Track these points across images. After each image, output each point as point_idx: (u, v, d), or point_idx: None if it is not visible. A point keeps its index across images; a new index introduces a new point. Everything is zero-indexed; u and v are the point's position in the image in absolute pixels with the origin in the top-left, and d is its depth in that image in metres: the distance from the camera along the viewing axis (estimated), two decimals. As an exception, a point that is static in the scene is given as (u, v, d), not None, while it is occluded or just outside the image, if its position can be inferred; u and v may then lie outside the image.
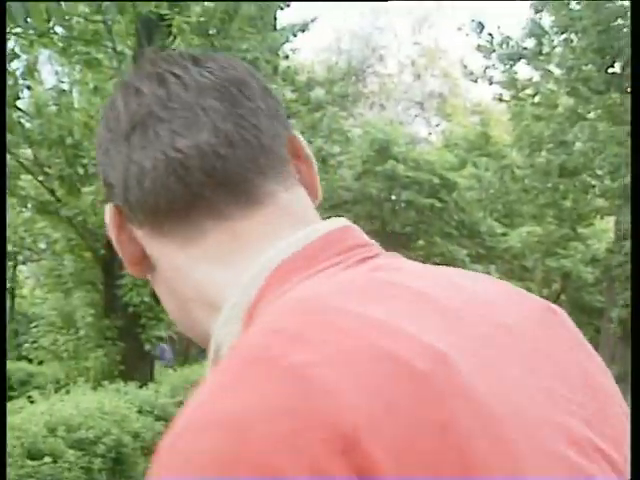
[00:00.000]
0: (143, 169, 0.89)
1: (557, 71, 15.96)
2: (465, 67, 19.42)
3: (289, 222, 0.92)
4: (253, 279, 0.88)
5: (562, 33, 15.63)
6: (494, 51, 16.56)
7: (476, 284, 0.90)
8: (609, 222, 21.87)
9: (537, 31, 16.15)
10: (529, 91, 16.94)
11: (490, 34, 16.55)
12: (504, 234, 26.11)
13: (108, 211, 0.94)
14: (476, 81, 18.69)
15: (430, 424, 0.68)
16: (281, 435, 0.66)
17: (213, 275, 0.91)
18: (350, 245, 0.90)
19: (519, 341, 0.85)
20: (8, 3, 4.75)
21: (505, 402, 0.76)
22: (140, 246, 0.95)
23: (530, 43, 16.27)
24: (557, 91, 16.38)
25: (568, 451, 0.77)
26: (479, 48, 16.81)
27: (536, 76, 17.14)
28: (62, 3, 6.74)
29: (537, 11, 16.30)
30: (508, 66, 16.71)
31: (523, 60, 16.41)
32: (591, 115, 15.45)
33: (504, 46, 16.36)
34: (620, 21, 14.88)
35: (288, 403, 0.67)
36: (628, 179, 12.66)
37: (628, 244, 13.83)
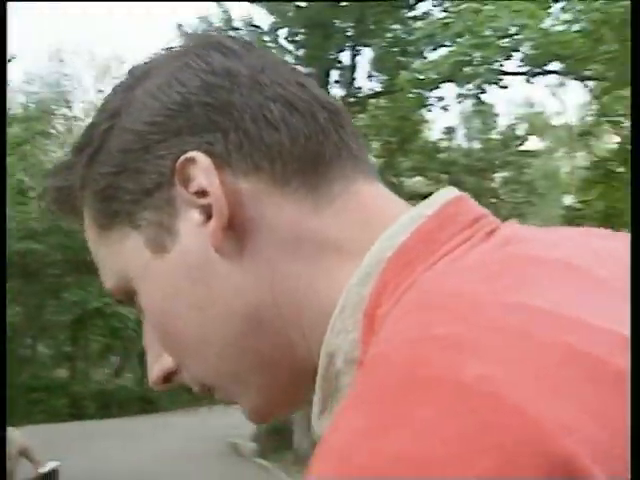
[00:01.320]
0: (289, 110, 0.82)
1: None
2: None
3: (392, 199, 0.84)
4: (367, 273, 0.75)
5: None
6: None
7: (605, 241, 0.76)
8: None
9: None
10: None
11: None
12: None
13: (206, 162, 0.78)
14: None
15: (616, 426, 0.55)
16: (484, 473, 0.52)
17: (329, 260, 0.79)
18: (471, 219, 0.78)
19: None
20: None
21: None
22: (237, 205, 0.78)
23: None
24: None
25: None
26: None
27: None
28: None
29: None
30: None
31: None
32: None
33: None
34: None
35: (476, 431, 0.53)
36: None
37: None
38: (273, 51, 18.18)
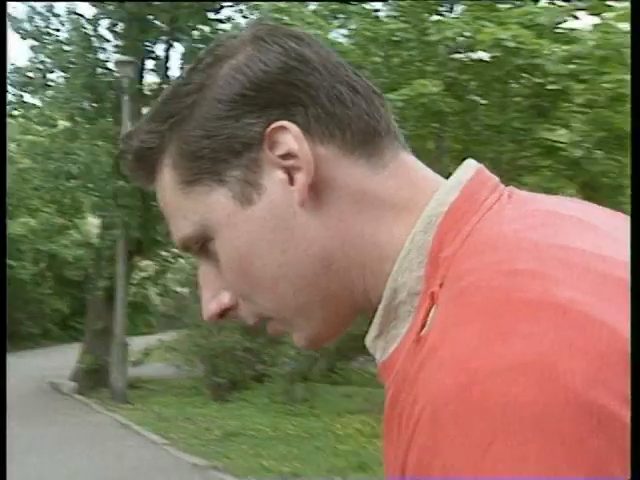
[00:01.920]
0: (352, 92, 0.88)
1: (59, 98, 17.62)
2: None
3: (421, 168, 0.91)
4: (429, 223, 0.83)
5: (62, 71, 17.49)
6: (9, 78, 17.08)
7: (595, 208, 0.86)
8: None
9: (41, 67, 17.74)
10: (35, 112, 18.35)
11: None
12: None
13: (295, 130, 0.84)
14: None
15: None
16: (589, 371, 0.61)
17: (387, 215, 0.86)
18: (494, 184, 0.87)
19: None
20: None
21: None
22: (316, 171, 0.84)
23: (37, 75, 17.62)
24: (56, 114, 18.15)
25: None
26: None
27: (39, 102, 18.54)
28: None
29: (36, 52, 17.69)
30: (18, 90, 17.81)
31: (31, 87, 17.77)
32: (85, 135, 17.37)
33: (15, 75, 17.35)
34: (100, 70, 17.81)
35: (581, 338, 0.62)
36: (117, 183, 15.67)
37: (115, 232, 16.58)
38: (93, 39, 18.20)
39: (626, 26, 11.94)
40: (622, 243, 0.73)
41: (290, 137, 0.83)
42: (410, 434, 0.68)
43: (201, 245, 0.90)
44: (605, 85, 11.65)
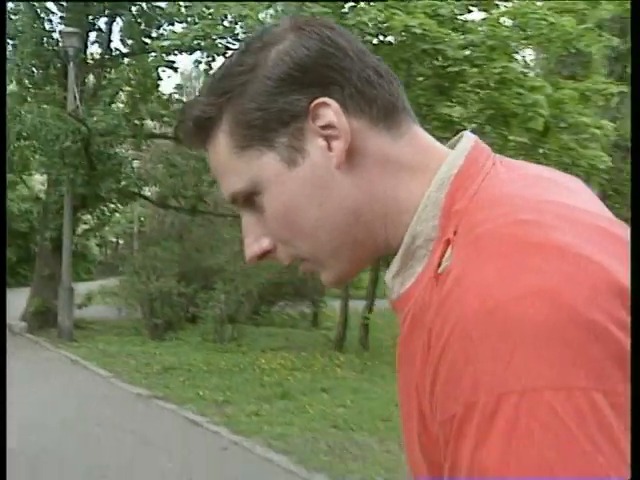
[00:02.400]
0: (377, 75, 0.94)
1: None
2: None
3: (430, 140, 0.98)
4: (442, 183, 0.90)
5: (10, 39, 16.89)
6: None
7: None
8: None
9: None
10: None
11: None
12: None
13: (335, 105, 0.91)
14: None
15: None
16: (593, 297, 0.70)
17: (405, 176, 0.93)
18: (489, 152, 0.94)
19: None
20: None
21: None
22: (350, 139, 0.91)
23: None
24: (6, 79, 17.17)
25: None
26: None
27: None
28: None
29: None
30: None
31: None
32: (32, 99, 17.20)
33: None
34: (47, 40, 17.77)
35: (579, 272, 0.71)
36: (64, 144, 15.43)
37: (61, 188, 16.54)
38: (40, 10, 17.72)
39: (509, 21, 12.58)
40: (592, 201, 0.88)
41: (330, 111, 0.90)
42: (441, 349, 0.75)
43: (247, 198, 0.96)
44: (494, 70, 12.14)
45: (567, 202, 0.81)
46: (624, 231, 0.80)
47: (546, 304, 0.69)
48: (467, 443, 0.71)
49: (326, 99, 0.91)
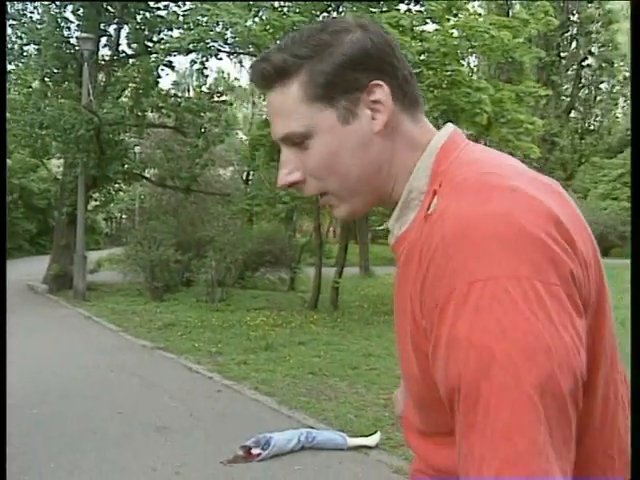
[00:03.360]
0: (410, 75, 1.06)
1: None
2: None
3: (430, 125, 1.10)
4: (433, 155, 1.04)
5: (35, 44, 17.00)
6: None
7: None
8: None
9: (19, 41, 17.04)
10: (14, 76, 17.22)
11: None
12: None
13: (387, 89, 1.01)
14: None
15: (579, 223, 0.94)
16: (534, 219, 0.85)
17: (403, 154, 1.05)
18: (464, 137, 1.09)
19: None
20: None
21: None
22: (390, 116, 1.02)
23: (15, 47, 16.94)
24: (30, 77, 17.52)
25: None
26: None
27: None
28: None
29: (15, 29, 16.90)
30: None
31: (11, 57, 16.81)
32: (52, 94, 16.93)
33: None
34: (65, 44, 17.26)
35: (525, 203, 0.87)
36: (79, 132, 15.43)
37: (76, 170, 16.12)
38: (60, 19, 17.52)
39: (457, 33, 12.58)
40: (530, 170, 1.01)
41: (382, 91, 1.02)
42: (429, 260, 0.89)
43: (299, 141, 1.04)
44: (446, 73, 12.14)
45: (518, 165, 1.00)
46: (556, 186, 0.98)
47: (503, 222, 0.85)
48: (446, 323, 0.85)
49: (381, 82, 1.02)
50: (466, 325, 0.83)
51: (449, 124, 1.10)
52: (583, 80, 26.41)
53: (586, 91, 26.28)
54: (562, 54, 26.23)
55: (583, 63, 26.09)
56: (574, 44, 26.37)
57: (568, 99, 26.49)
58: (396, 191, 1.06)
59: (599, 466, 0.96)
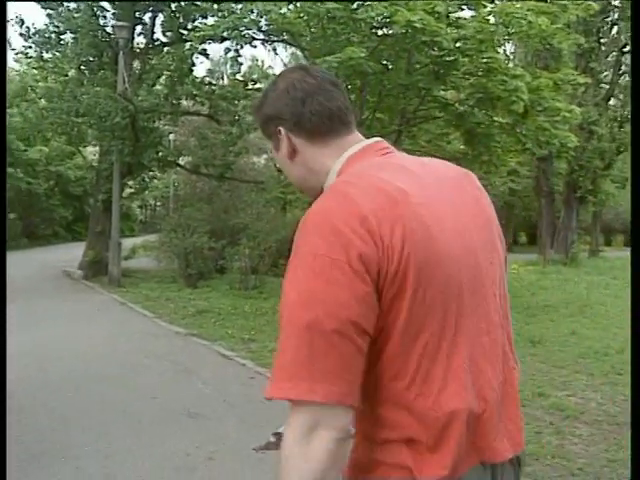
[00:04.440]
0: (316, 112, 1.41)
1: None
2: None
3: (355, 141, 1.44)
4: (341, 162, 1.40)
5: (72, 33, 17.17)
6: (30, 38, 17.37)
7: (431, 162, 1.46)
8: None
9: (56, 30, 17.25)
10: (51, 64, 17.97)
11: (28, 27, 17.39)
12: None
13: (283, 134, 1.43)
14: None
15: (394, 217, 1.23)
16: (342, 216, 1.22)
17: (326, 162, 1.42)
18: (380, 147, 1.43)
19: (458, 188, 1.40)
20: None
21: (445, 223, 1.29)
22: (294, 147, 1.43)
23: (52, 35, 17.26)
24: (67, 66, 17.88)
25: (468, 254, 1.31)
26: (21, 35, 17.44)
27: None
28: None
29: (52, 18, 17.25)
30: (38, 47, 17.55)
31: (48, 45, 17.46)
32: (88, 82, 16.98)
33: (37, 35, 17.29)
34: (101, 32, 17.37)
35: (343, 205, 1.24)
36: (114, 120, 15.77)
37: (111, 157, 16.44)
38: (96, 8, 17.65)
39: (494, 19, 12.41)
40: (423, 182, 1.34)
41: (282, 133, 1.46)
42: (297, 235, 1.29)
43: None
44: (482, 60, 11.99)
45: (381, 176, 1.32)
46: (401, 195, 1.28)
47: (320, 215, 1.26)
48: (285, 277, 1.26)
49: (280, 128, 1.45)
50: (286, 277, 1.25)
51: (375, 139, 1.46)
52: (623, 67, 25.83)
53: (626, 78, 25.74)
54: (602, 40, 25.64)
55: (624, 49, 25.51)
56: (615, 29, 25.77)
57: (607, 87, 25.94)
58: (323, 186, 1.44)
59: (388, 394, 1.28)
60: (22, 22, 17.32)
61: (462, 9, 12.87)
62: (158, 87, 17.64)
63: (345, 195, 1.26)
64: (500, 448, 1.33)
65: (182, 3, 17.47)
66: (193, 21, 17.53)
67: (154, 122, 17.05)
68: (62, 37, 17.51)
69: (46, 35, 17.33)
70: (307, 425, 1.18)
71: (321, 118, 1.41)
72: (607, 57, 25.90)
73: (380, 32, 12.68)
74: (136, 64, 18.27)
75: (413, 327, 1.24)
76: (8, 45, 18.16)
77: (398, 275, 1.21)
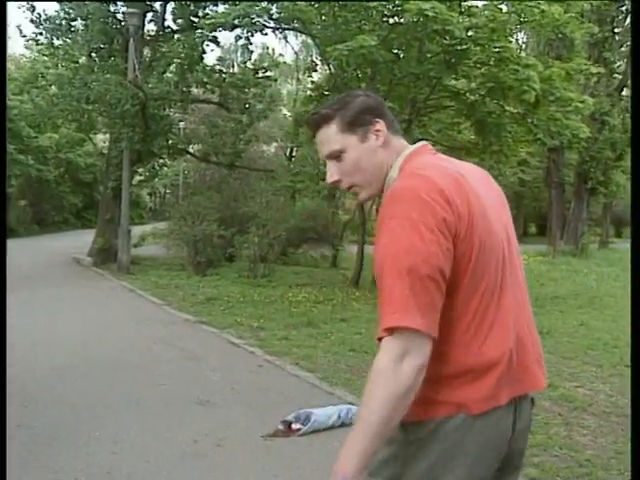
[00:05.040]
0: (394, 116, 1.85)
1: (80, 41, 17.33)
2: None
3: (404, 143, 1.82)
4: (403, 157, 1.77)
5: (82, 19, 17.15)
6: (41, 24, 17.33)
7: (462, 162, 1.84)
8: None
9: (67, 16, 17.25)
10: (61, 51, 17.87)
11: (39, 13, 17.34)
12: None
13: (382, 124, 1.78)
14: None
15: (462, 192, 1.61)
16: (426, 190, 1.58)
17: (390, 160, 1.77)
18: (429, 148, 1.82)
19: (487, 181, 1.84)
20: None
21: (487, 202, 1.69)
22: (387, 139, 1.78)
23: (63, 22, 17.25)
24: (77, 53, 17.82)
25: (502, 229, 1.72)
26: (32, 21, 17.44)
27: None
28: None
29: (62, 4, 17.26)
30: (49, 34, 17.54)
31: (59, 32, 17.39)
32: (98, 69, 17.02)
33: (47, 22, 17.24)
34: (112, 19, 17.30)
35: (424, 182, 1.59)
36: (124, 107, 15.67)
37: (121, 145, 16.35)
38: None
39: (506, 8, 12.31)
40: (469, 172, 1.74)
41: (380, 124, 1.79)
42: (384, 204, 1.64)
43: (336, 154, 1.79)
44: (494, 49, 11.91)
45: (444, 164, 1.73)
46: (461, 177, 1.68)
47: (408, 190, 1.61)
48: (379, 235, 1.62)
49: (380, 120, 1.79)
50: (383, 236, 1.59)
51: (422, 142, 1.85)
52: (637, 57, 25.56)
53: None
54: (616, 30, 25.40)
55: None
56: (629, 19, 25.57)
57: (621, 77, 25.73)
58: (386, 180, 1.79)
59: (464, 327, 1.62)
60: (33, 8, 17.33)
61: (474, -3, 12.81)
62: (168, 74, 17.63)
63: (424, 176, 1.63)
64: (536, 378, 1.75)
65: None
66: (204, 8, 17.51)
67: (164, 110, 17.04)
68: (73, 24, 17.50)
69: (57, 22, 17.32)
70: (402, 349, 1.50)
71: (395, 121, 1.84)
72: (621, 47, 25.67)
73: (391, 20, 12.64)
74: (146, 51, 18.24)
75: (476, 276, 1.61)
76: (19, 32, 18.19)
77: (467, 235, 1.59)
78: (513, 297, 1.69)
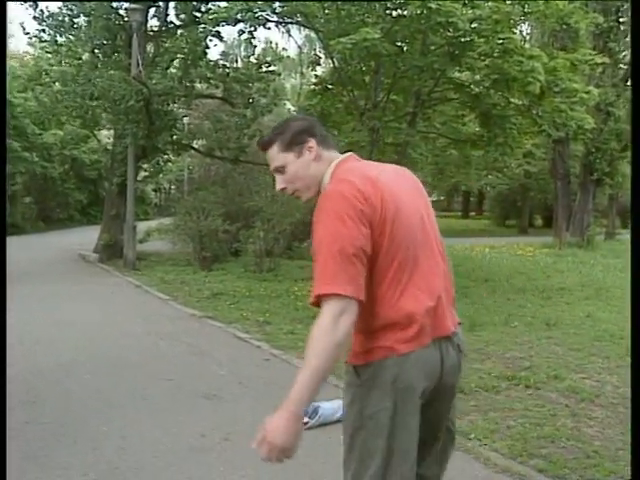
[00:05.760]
0: (326, 132, 2.32)
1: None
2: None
3: (335, 154, 2.26)
4: (333, 167, 2.19)
5: (86, 16, 17.10)
6: (44, 21, 17.27)
7: (383, 164, 2.29)
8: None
9: (70, 13, 17.22)
10: (65, 48, 17.74)
11: (42, 10, 17.24)
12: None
13: (314, 142, 2.22)
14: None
15: (376, 190, 2.06)
16: (348, 190, 2.04)
17: (323, 169, 2.20)
18: (355, 157, 2.25)
19: (403, 175, 2.27)
20: None
21: (401, 194, 2.13)
22: (320, 154, 2.22)
23: (66, 19, 17.18)
24: (81, 49, 17.83)
25: (416, 214, 2.17)
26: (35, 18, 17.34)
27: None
28: None
29: (65, 1, 17.15)
30: (52, 31, 17.40)
31: (62, 28, 17.33)
32: (102, 65, 16.95)
33: (50, 19, 17.19)
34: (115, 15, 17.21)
35: (347, 185, 2.06)
36: (128, 103, 15.72)
37: (126, 141, 16.35)
38: None
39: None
40: (386, 173, 2.20)
41: (312, 142, 2.23)
42: (317, 208, 2.07)
43: (281, 168, 2.25)
44: (498, 41, 11.86)
45: (363, 169, 2.18)
46: (376, 178, 2.12)
47: (335, 192, 2.06)
48: (315, 230, 2.04)
49: (311, 139, 2.23)
50: (318, 226, 2.02)
51: (349, 154, 2.27)
52: (642, 47, 25.46)
53: (645, 58, 25.34)
54: (621, 19, 25.27)
55: (642, 29, 25.11)
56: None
57: (626, 67, 25.62)
58: (321, 186, 2.21)
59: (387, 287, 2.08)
60: (36, 5, 17.29)
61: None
62: (172, 70, 17.53)
63: (347, 180, 2.08)
64: (448, 325, 2.18)
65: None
66: (207, 3, 17.37)
67: (168, 105, 16.99)
68: (76, 20, 17.45)
69: (60, 19, 17.28)
70: (338, 311, 1.92)
71: (328, 137, 2.29)
72: (626, 37, 25.53)
73: (395, 13, 12.57)
74: (150, 47, 18.18)
75: (390, 252, 2.05)
76: (22, 29, 18.14)
77: (381, 222, 2.03)
78: (427, 267, 2.13)
